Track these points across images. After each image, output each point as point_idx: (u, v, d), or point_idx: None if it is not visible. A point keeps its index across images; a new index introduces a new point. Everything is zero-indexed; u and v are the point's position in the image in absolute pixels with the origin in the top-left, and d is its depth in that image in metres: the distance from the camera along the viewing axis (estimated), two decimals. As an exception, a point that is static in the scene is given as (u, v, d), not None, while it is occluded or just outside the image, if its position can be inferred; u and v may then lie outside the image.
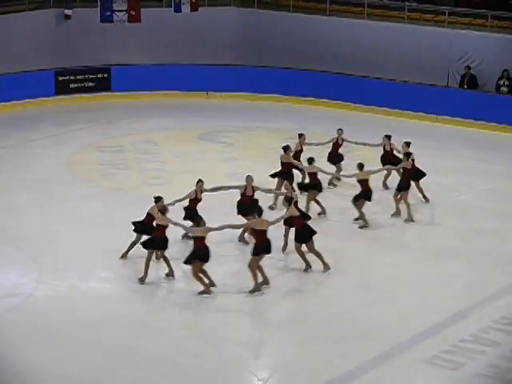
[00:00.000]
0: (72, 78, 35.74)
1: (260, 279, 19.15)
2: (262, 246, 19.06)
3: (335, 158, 26.24)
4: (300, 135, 25.48)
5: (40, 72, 34.96)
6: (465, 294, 19.62)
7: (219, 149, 29.09)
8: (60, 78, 35.52)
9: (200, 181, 21.71)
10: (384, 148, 25.59)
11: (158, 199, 20.49)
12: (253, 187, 22.10)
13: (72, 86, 35.69)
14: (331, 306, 19.08)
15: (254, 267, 18.94)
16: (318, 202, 23.45)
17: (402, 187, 23.40)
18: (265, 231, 19.12)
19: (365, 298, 19.45)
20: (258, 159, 27.98)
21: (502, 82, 32.82)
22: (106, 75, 36.09)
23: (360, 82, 34.66)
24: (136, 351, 16.85)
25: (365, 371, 16.56)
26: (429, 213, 24.28)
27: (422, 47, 34.12)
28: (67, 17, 36.22)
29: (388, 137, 25.58)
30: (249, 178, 22.04)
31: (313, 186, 23.35)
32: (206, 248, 18.95)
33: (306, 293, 19.76)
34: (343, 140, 26.24)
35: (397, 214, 23.52)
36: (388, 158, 25.39)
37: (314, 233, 19.96)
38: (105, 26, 35.75)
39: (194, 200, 21.76)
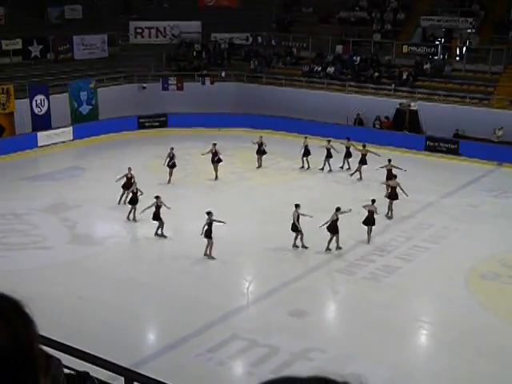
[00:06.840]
0: (146, 120, 35.60)
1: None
2: None
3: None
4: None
5: (128, 117, 34.75)
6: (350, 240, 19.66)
7: (226, 159, 28.47)
8: (140, 120, 35.43)
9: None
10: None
11: None
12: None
13: (147, 124, 35.59)
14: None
15: None
16: None
17: None
18: None
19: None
20: (245, 163, 28.27)
21: (376, 123, 33.01)
22: (164, 119, 35.91)
23: (301, 122, 34.21)
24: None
25: (300, 278, 17.24)
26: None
27: (334, 103, 34.21)
28: (143, 88, 36.37)
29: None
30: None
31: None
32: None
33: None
34: (351, 145, 27.19)
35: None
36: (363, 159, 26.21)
37: None
38: (164, 93, 36.27)
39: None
